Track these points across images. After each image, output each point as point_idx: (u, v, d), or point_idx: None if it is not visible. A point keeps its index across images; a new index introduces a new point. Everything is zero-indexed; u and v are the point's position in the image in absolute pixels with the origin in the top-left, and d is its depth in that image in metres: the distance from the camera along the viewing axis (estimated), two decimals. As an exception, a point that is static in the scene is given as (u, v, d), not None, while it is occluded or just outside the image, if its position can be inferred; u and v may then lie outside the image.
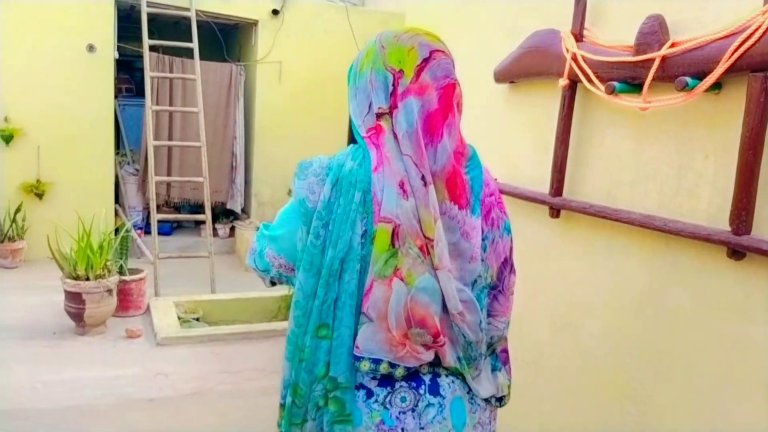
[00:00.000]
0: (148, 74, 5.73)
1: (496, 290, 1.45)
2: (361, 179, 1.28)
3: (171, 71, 6.48)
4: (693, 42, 1.79)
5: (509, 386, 1.49)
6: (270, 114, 6.94)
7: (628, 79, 2.01)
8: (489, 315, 1.41)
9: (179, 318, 4.80)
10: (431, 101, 1.27)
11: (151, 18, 7.21)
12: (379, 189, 1.26)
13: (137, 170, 6.78)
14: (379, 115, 1.31)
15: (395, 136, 1.28)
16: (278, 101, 6.93)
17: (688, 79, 1.75)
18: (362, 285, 1.28)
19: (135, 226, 6.51)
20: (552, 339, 2.42)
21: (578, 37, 2.25)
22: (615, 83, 2.01)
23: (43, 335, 4.44)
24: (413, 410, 1.31)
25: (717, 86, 1.76)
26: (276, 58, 6.94)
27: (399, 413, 1.30)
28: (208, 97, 6.66)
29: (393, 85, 1.28)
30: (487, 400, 1.42)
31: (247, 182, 6.97)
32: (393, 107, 1.28)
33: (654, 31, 1.91)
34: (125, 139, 6.92)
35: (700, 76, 1.75)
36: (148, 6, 6.05)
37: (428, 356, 1.31)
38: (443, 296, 1.28)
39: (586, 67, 2.15)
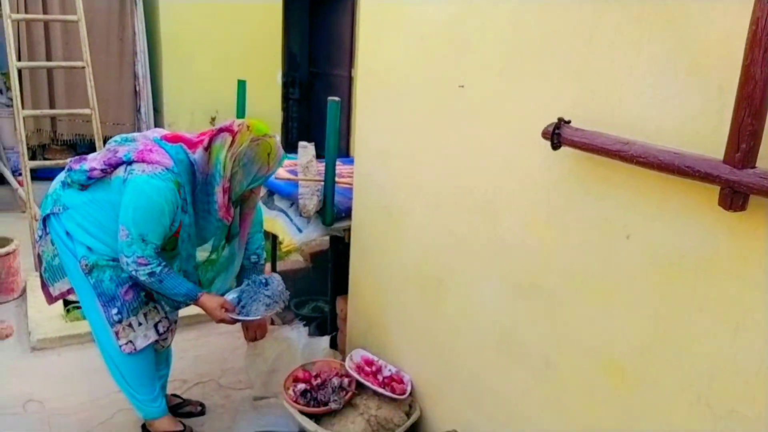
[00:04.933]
0: (2, -32, 3.98)
1: None
2: None
3: (43, -33, 4.68)
4: None
5: None
6: (180, 23, 5.24)
7: None
8: None
9: (69, 304, 3.36)
10: None
11: None
12: None
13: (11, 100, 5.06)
14: None
15: None
16: (189, 6, 5.25)
17: None
18: None
19: (15, 172, 4.92)
20: None
21: None
22: None
23: None
24: None
25: None
26: (182, -51, 5.20)
27: None
28: (96, 2, 4.93)
29: None
30: None
31: (157, 110, 5.34)
32: None
33: None
34: (-7, 59, 5.11)
35: None
36: None
37: None
38: None
39: None
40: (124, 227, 1.93)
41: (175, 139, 2.06)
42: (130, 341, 2.14)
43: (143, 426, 2.46)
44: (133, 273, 1.97)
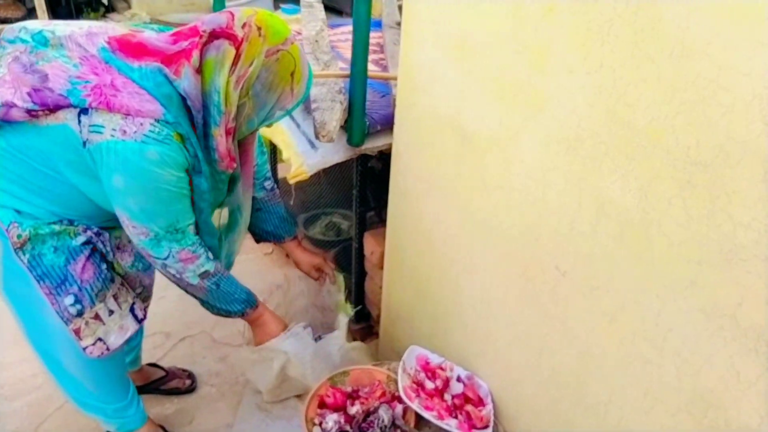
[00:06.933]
0: None
1: None
2: None
3: None
4: None
5: None
6: None
7: None
8: None
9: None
10: None
11: None
12: None
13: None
14: None
15: None
16: None
17: None
18: None
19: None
20: None
21: None
22: None
23: None
24: None
25: None
26: None
27: None
28: None
29: None
30: None
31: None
32: None
33: None
34: None
35: None
36: None
37: None
38: None
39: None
40: (137, 224, 1.26)
41: (138, 50, 1.17)
42: (100, 339, 1.40)
43: (108, 432, 1.79)
44: (176, 276, 1.36)
